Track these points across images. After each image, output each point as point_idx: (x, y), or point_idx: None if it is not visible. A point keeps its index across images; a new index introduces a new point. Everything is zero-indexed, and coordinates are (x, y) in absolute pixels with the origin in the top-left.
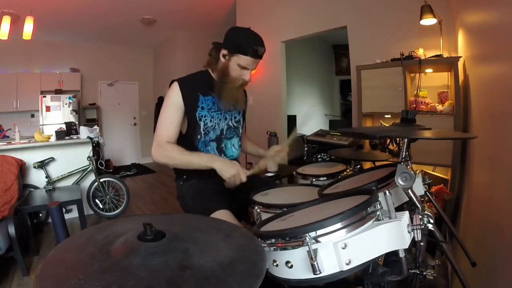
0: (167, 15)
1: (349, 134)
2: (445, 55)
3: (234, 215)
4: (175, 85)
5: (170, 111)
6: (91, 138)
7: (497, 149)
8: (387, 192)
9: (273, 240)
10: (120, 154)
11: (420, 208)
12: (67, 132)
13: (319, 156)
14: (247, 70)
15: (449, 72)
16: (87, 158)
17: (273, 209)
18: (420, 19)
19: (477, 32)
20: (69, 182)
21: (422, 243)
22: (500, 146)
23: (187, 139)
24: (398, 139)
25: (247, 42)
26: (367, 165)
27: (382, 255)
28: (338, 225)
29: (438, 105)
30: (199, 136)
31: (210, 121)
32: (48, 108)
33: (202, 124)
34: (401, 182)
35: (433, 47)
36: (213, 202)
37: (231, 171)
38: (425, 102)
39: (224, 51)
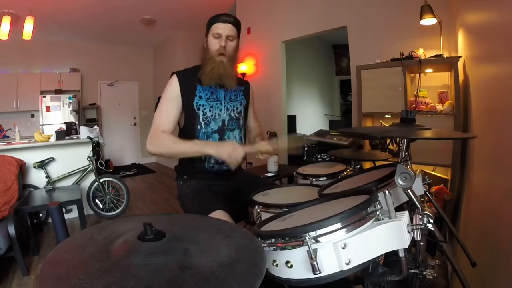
0: (167, 15)
1: (349, 134)
2: (445, 55)
3: (234, 215)
4: (174, 77)
5: (167, 102)
6: (91, 138)
7: (497, 149)
8: (387, 192)
9: (273, 240)
10: (120, 154)
11: (420, 208)
12: (67, 132)
13: (319, 156)
14: (221, 37)
15: (449, 72)
16: (87, 158)
17: (273, 209)
18: (420, 19)
19: (477, 32)
20: (69, 182)
21: (422, 243)
22: (500, 146)
23: (187, 132)
24: (398, 139)
25: (215, 16)
26: (367, 165)
27: (382, 255)
28: (338, 225)
29: (438, 105)
30: (199, 127)
31: (209, 110)
32: (48, 108)
33: (201, 113)
34: (401, 182)
35: (433, 47)
36: (209, 203)
37: (226, 150)
38: (425, 102)
39: (205, 39)
